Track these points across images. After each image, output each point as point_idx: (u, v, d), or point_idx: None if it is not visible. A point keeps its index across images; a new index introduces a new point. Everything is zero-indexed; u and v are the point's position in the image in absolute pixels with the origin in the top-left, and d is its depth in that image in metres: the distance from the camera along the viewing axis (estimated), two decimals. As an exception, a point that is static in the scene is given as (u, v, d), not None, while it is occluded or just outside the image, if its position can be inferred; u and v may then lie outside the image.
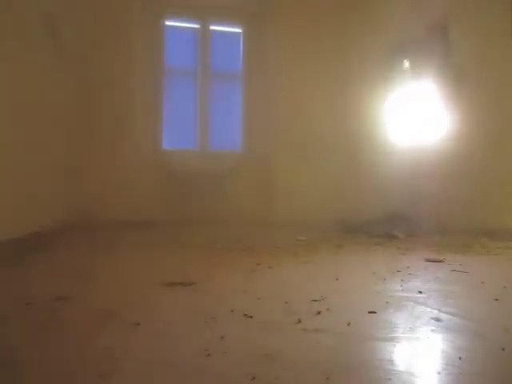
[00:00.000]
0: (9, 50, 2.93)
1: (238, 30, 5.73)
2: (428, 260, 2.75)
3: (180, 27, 5.64)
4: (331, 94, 5.53)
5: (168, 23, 5.48)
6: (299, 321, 1.46)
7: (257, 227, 4.78)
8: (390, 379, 1.03)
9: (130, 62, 5.09)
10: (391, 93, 5.11)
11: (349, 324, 1.44)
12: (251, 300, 1.77)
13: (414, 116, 4.82)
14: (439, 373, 1.07)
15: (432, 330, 1.39)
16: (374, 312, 1.58)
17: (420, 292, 1.90)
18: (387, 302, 1.72)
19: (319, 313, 1.56)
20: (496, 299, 1.78)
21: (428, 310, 1.63)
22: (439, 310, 1.62)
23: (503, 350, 1.22)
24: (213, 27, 5.65)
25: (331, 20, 5.62)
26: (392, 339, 1.30)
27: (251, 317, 1.51)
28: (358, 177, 5.34)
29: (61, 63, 4.19)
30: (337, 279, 2.20)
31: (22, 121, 3.18)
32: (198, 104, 5.58)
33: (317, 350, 1.23)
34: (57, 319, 1.49)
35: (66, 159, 4.42)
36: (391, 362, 1.14)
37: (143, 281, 2.17)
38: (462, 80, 4.09)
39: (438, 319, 1.50)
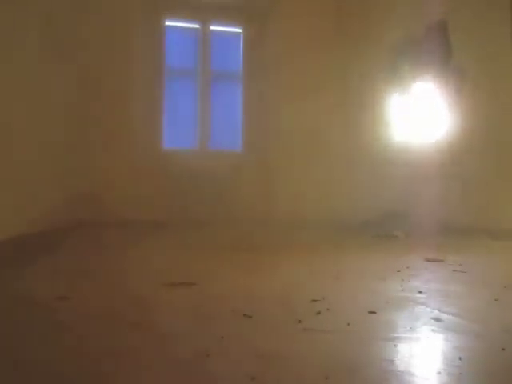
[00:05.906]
0: (9, 52, 2.94)
1: (237, 29, 5.73)
2: (428, 260, 2.75)
3: (180, 27, 5.63)
4: (332, 94, 5.52)
5: (168, 23, 5.48)
6: (299, 321, 1.46)
7: (257, 227, 4.78)
8: (389, 379, 1.03)
9: (130, 62, 5.09)
10: (392, 93, 5.10)
11: (349, 324, 1.44)
12: (251, 300, 1.77)
13: (414, 116, 4.82)
14: (439, 373, 1.07)
15: (432, 330, 1.39)
16: (374, 312, 1.58)
17: (420, 292, 1.90)
18: (387, 302, 1.72)
19: (319, 313, 1.56)
20: (496, 299, 1.78)
21: (428, 309, 1.63)
22: (439, 310, 1.62)
23: (503, 349, 1.22)
24: (213, 27, 5.64)
25: (332, 19, 5.62)
26: (392, 339, 1.30)
27: (251, 317, 1.51)
28: (359, 177, 5.34)
29: (60, 63, 4.18)
30: (337, 279, 2.20)
31: (22, 121, 3.18)
32: (199, 104, 5.58)
33: (317, 350, 1.23)
34: (57, 319, 1.49)
35: (66, 159, 4.42)
36: (391, 361, 1.14)
37: (143, 281, 2.17)
38: (462, 80, 4.09)
39: (438, 319, 1.50)
